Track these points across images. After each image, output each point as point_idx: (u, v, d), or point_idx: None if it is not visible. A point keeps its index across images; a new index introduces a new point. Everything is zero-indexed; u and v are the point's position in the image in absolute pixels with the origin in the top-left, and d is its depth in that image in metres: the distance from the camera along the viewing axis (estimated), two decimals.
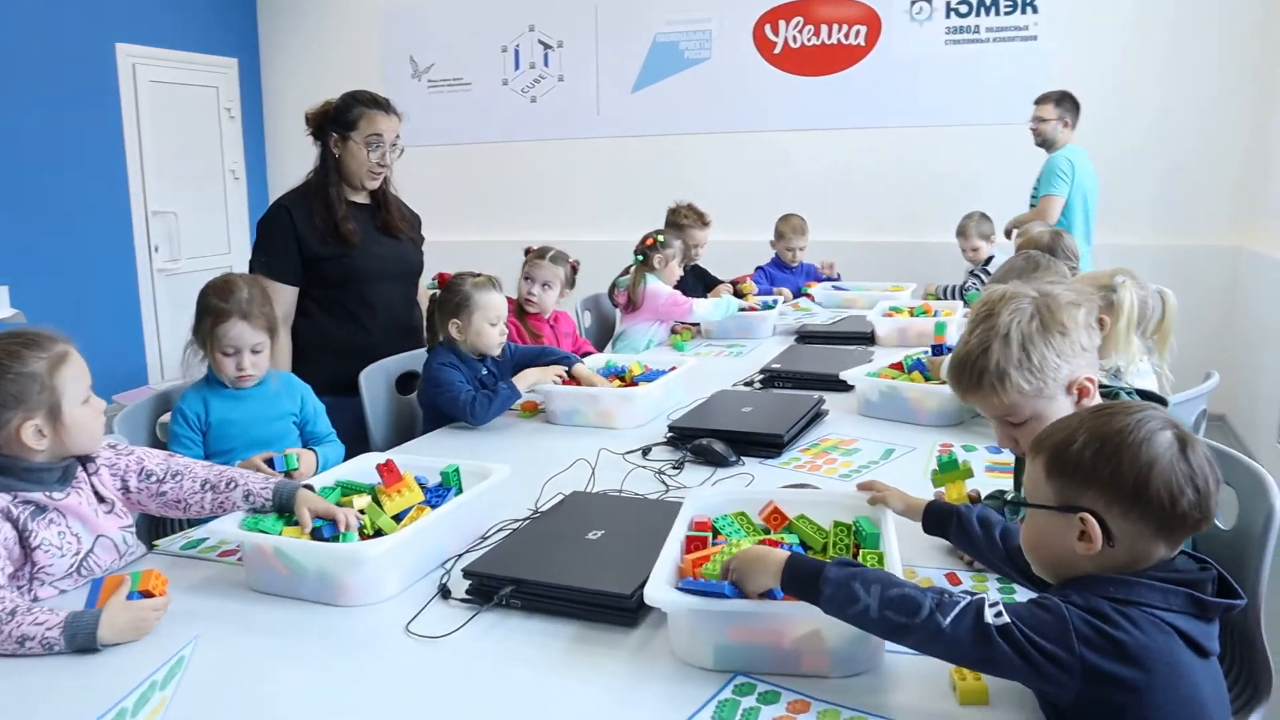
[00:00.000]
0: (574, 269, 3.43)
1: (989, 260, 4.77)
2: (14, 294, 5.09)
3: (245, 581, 1.67)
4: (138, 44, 6.16)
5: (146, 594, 1.52)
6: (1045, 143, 4.86)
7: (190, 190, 6.59)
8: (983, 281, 4.62)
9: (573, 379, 2.76)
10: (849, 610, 1.19)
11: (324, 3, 6.84)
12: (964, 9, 5.55)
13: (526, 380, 2.68)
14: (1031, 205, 4.92)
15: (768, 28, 5.90)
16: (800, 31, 5.85)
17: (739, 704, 1.25)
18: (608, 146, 6.28)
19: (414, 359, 2.93)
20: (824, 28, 5.81)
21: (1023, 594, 1.54)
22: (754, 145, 6.00)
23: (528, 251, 3.42)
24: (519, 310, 3.35)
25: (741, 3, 5.93)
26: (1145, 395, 1.59)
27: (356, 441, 2.58)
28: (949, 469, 1.70)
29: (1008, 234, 4.89)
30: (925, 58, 5.66)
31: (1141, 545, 1.15)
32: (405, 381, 2.94)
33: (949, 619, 1.13)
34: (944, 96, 5.60)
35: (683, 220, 4.37)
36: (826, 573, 1.21)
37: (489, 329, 2.70)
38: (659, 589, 1.35)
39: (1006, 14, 5.49)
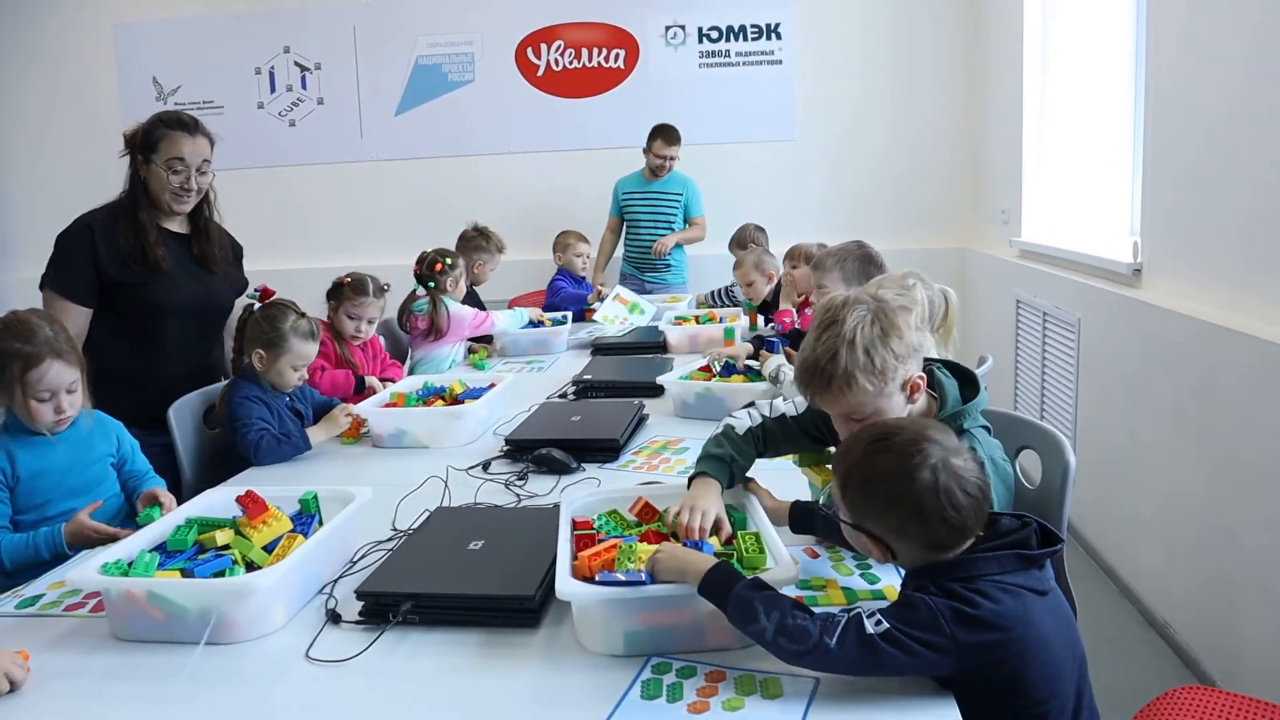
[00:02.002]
0: (384, 291, 3.42)
1: None
2: None
3: (109, 632, 1.59)
4: None
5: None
6: (665, 173, 5.47)
7: None
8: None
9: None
10: (749, 627, 1.32)
11: (46, 16, 6.29)
12: (715, 35, 5.89)
13: (319, 436, 2.65)
14: (659, 229, 5.47)
15: (530, 51, 6.01)
16: (561, 55, 6.00)
17: (662, 682, 1.34)
18: (373, 170, 6.18)
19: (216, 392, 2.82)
20: (584, 51, 5.99)
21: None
22: (523, 166, 6.09)
23: (343, 284, 3.33)
24: (335, 333, 3.30)
25: (502, 26, 6.01)
26: (955, 369, 1.78)
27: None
28: (814, 451, 1.84)
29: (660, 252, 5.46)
30: (681, 80, 5.96)
31: (919, 555, 1.38)
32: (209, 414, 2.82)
33: (835, 639, 1.27)
34: (700, 116, 5.91)
35: (481, 244, 4.42)
36: (736, 589, 1.34)
37: (290, 373, 2.65)
38: (569, 584, 1.42)
39: (754, 40, 5.87)
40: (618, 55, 5.98)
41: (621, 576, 1.43)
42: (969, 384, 1.72)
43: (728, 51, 5.90)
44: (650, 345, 3.87)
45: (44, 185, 6.43)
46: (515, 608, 1.52)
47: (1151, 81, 3.33)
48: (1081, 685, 1.38)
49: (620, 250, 5.72)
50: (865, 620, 1.27)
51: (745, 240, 5.15)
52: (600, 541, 1.62)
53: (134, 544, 1.69)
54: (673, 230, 5.50)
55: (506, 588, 1.55)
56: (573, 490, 2.10)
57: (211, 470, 2.75)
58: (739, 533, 1.64)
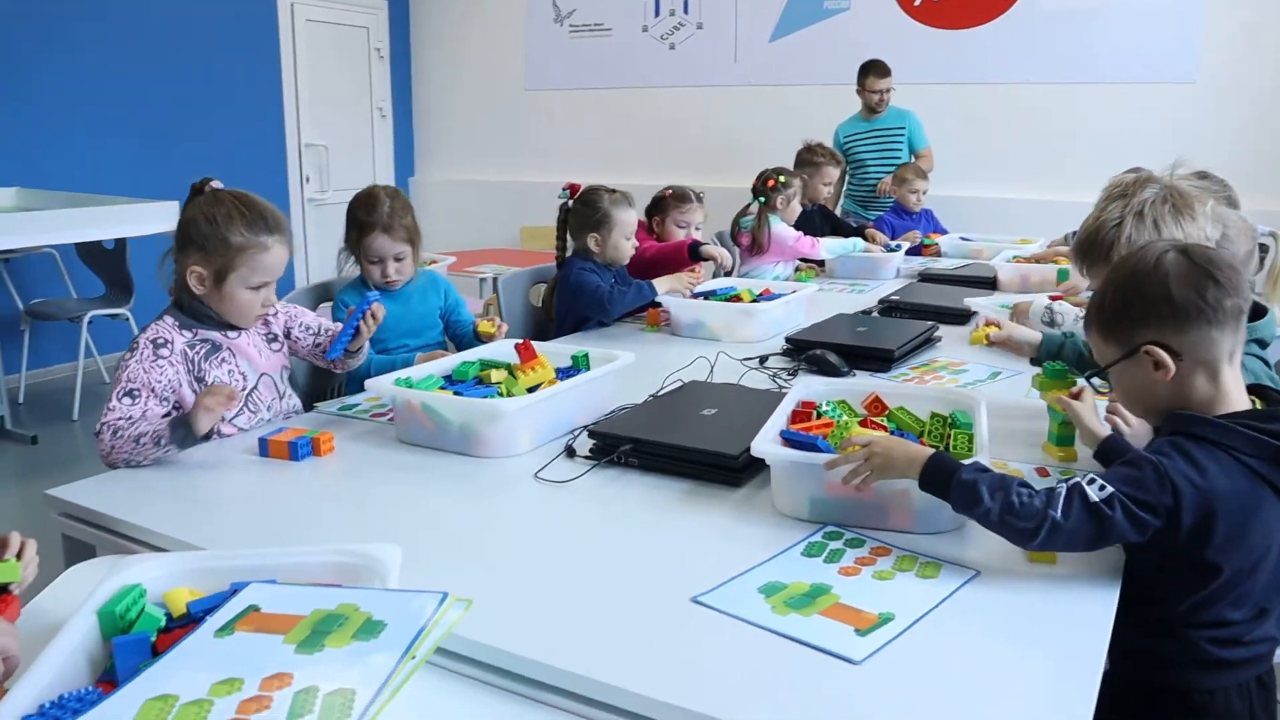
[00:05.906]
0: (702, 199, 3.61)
1: None
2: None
3: (395, 435, 1.89)
4: None
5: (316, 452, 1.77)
6: (883, 109, 5.40)
7: (340, 126, 6.96)
8: None
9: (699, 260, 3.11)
10: (974, 510, 1.28)
11: None
12: None
13: (664, 285, 2.89)
14: (886, 165, 5.32)
15: None
16: None
17: (826, 545, 1.38)
18: (743, 95, 6.35)
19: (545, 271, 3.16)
20: None
21: None
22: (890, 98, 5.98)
23: (665, 196, 3.51)
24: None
25: None
26: None
27: None
28: (1056, 376, 1.75)
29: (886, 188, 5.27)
30: (1073, 9, 5.53)
31: (1206, 345, 1.27)
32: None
33: (1059, 511, 1.22)
34: (1088, 51, 5.47)
35: (817, 158, 4.49)
36: (959, 474, 1.29)
37: (624, 243, 2.91)
38: (764, 443, 1.50)
39: None
40: None
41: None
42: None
43: None
44: (980, 279, 3.73)
45: (455, 97, 7.27)
46: (719, 464, 1.62)
47: None
48: None
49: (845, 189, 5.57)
50: (1086, 487, 1.23)
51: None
52: (817, 420, 1.68)
53: (426, 369, 1.98)
54: (899, 163, 5.29)
55: (716, 445, 1.65)
56: (816, 381, 2.13)
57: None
58: (953, 431, 1.62)
